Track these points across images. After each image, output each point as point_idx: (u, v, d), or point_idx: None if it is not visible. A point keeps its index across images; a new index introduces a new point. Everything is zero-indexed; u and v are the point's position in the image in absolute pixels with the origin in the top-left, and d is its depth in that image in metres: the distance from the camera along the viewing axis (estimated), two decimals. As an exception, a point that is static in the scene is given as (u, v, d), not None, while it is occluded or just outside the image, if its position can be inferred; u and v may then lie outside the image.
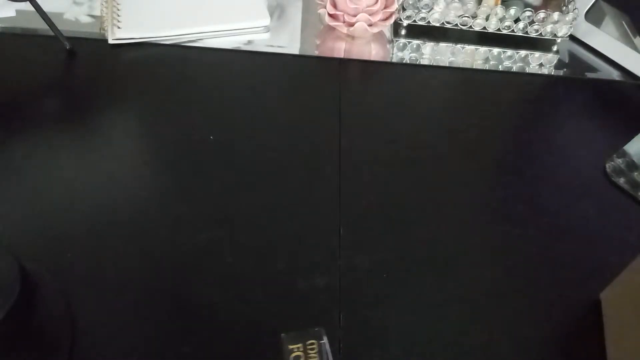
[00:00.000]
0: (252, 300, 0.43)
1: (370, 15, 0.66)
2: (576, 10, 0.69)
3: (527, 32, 0.71)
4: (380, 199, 0.51)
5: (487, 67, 0.69)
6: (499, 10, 0.69)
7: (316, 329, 0.30)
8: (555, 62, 0.71)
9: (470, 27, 0.70)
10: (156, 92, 0.60)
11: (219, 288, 0.44)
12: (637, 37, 0.72)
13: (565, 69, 0.71)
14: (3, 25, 0.66)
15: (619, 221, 0.53)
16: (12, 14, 0.67)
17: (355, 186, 0.52)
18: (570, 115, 0.65)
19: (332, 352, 0.36)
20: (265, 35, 0.69)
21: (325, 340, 0.31)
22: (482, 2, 0.69)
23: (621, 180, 0.56)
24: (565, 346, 0.44)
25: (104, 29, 0.67)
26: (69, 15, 0.68)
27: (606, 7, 0.75)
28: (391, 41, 0.72)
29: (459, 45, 0.71)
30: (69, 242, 0.46)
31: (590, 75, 0.70)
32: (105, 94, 0.60)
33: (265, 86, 0.63)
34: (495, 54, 0.71)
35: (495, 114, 0.63)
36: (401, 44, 0.71)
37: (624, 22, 0.74)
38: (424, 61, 0.69)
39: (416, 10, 0.69)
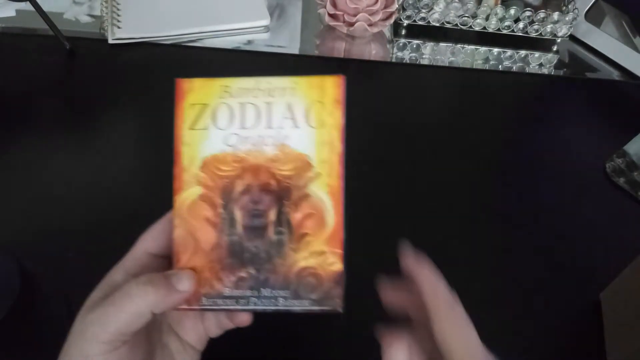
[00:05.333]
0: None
1: (370, 15, 0.66)
2: (576, 10, 0.69)
3: (527, 32, 0.71)
4: (380, 199, 0.51)
5: (487, 67, 0.69)
6: (499, 10, 0.69)
7: None
8: (555, 62, 0.71)
9: (470, 27, 0.70)
10: (156, 92, 0.60)
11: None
12: (637, 37, 0.72)
13: (565, 69, 0.71)
14: (3, 25, 0.66)
15: (619, 221, 0.53)
16: (12, 14, 0.67)
17: (355, 186, 0.52)
18: (570, 115, 0.65)
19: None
20: (265, 35, 0.70)
21: None
22: (482, 2, 0.69)
23: (621, 180, 0.56)
24: (565, 346, 0.44)
25: (104, 29, 0.67)
26: (69, 15, 0.68)
27: (606, 7, 0.75)
28: (391, 41, 0.72)
29: (459, 45, 0.71)
30: (69, 242, 0.46)
31: (590, 75, 0.70)
32: (105, 94, 0.60)
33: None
34: (495, 54, 0.71)
35: (495, 114, 0.63)
36: (401, 44, 0.71)
37: (624, 22, 0.74)
38: (424, 61, 0.69)
39: (416, 10, 0.69)
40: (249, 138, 0.31)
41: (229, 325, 0.33)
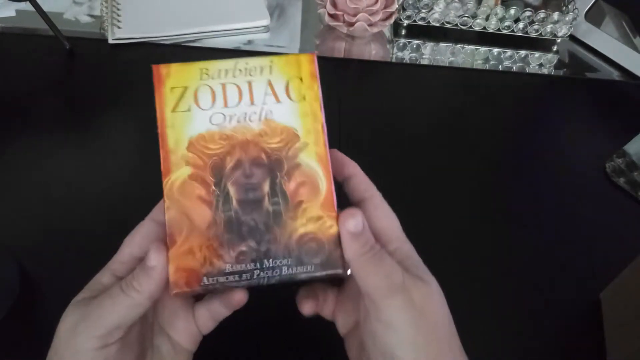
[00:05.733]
0: (253, 301, 0.43)
1: (370, 15, 0.66)
2: (576, 10, 0.69)
3: (527, 32, 0.71)
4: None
5: (487, 67, 0.69)
6: (499, 10, 0.69)
7: None
8: (555, 62, 0.71)
9: (470, 27, 0.70)
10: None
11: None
12: (637, 37, 0.72)
13: (565, 69, 0.71)
14: (3, 25, 0.66)
15: (619, 221, 0.53)
16: (12, 14, 0.67)
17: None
18: (570, 115, 0.65)
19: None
20: (265, 35, 0.70)
21: None
22: (482, 2, 0.69)
23: (621, 180, 0.56)
24: (565, 346, 0.44)
25: (104, 29, 0.67)
26: (69, 15, 0.68)
27: (606, 7, 0.75)
28: (391, 41, 0.72)
29: (459, 45, 0.71)
30: (69, 242, 0.46)
31: (590, 75, 0.70)
32: (105, 94, 0.60)
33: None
34: (495, 54, 0.71)
35: (495, 114, 0.63)
36: (401, 44, 0.71)
37: (624, 22, 0.74)
38: (424, 61, 0.69)
39: (416, 10, 0.70)
40: (234, 116, 0.32)
41: (223, 313, 0.33)
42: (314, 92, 0.33)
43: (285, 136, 0.32)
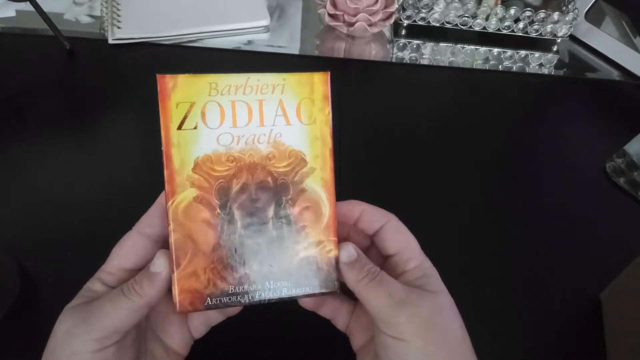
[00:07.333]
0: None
1: (370, 15, 0.66)
2: (576, 10, 0.69)
3: (527, 32, 0.71)
4: (379, 199, 0.51)
5: (487, 67, 0.69)
6: (499, 10, 0.69)
7: None
8: (555, 62, 0.71)
9: (470, 27, 0.70)
10: (156, 92, 0.60)
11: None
12: (637, 37, 0.72)
13: (565, 69, 0.71)
14: (3, 25, 0.66)
15: (619, 221, 0.53)
16: (12, 14, 0.67)
17: (355, 186, 0.52)
18: (570, 115, 0.65)
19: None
20: (265, 35, 0.70)
21: None
22: (482, 2, 0.69)
23: (621, 180, 0.56)
24: (566, 346, 0.44)
25: (104, 29, 0.67)
26: (69, 15, 0.68)
27: (606, 7, 0.75)
28: (391, 41, 0.72)
29: (459, 45, 0.71)
30: (69, 242, 0.46)
31: (590, 75, 0.70)
32: (105, 94, 0.60)
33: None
34: (495, 54, 0.71)
35: (495, 114, 0.63)
36: (401, 44, 0.71)
37: (624, 22, 0.74)
38: (424, 61, 0.69)
39: (416, 10, 0.70)
40: (242, 137, 0.31)
41: (217, 319, 0.34)
42: (324, 115, 0.32)
43: (293, 160, 0.31)
